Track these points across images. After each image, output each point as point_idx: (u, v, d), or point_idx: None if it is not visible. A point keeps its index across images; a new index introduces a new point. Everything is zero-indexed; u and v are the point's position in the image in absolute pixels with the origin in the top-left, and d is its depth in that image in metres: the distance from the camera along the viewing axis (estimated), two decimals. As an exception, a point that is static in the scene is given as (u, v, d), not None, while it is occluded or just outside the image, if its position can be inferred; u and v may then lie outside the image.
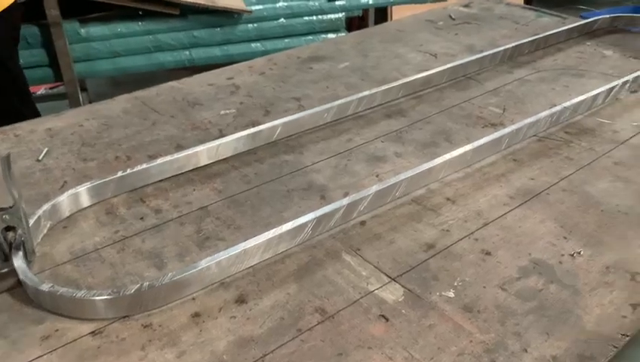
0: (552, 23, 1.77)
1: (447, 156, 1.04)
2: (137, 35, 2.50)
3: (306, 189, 1.03)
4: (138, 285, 0.75)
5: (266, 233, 0.84)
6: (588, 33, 1.70)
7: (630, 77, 1.30)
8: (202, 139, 1.18)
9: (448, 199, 0.99)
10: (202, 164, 1.10)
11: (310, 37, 2.66)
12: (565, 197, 0.99)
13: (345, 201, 0.91)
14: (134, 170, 1.03)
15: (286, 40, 2.62)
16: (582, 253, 0.86)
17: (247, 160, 1.12)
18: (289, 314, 0.76)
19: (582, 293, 0.78)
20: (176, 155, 1.07)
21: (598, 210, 0.95)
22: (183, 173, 1.07)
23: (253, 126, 1.19)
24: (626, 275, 0.81)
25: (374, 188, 0.95)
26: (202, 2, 2.47)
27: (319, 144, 1.18)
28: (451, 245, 0.88)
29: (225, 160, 1.12)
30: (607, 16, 1.75)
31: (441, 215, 0.95)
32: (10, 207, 0.80)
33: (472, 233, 0.91)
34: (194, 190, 1.03)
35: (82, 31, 2.42)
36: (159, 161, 1.06)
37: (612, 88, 1.27)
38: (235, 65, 1.56)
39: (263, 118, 1.27)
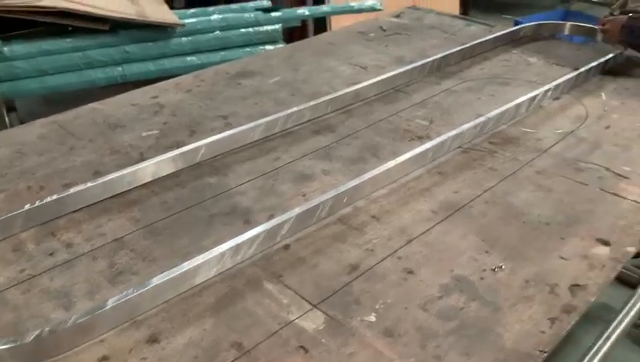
0: (480, 32, 1.80)
1: (373, 172, 1.02)
2: (66, 52, 2.40)
3: (229, 214, 0.99)
4: (38, 331, 0.70)
5: (182, 265, 0.80)
6: (514, 41, 1.74)
7: (552, 85, 1.33)
8: (122, 164, 1.13)
9: (373, 217, 0.98)
10: (120, 191, 1.05)
11: (247, 49, 2.62)
12: (488, 209, 0.99)
13: (267, 226, 0.89)
14: (44, 201, 0.97)
15: (222, 52, 2.57)
16: (503, 266, 0.86)
17: (168, 184, 1.08)
18: (204, 352, 0.72)
19: (502, 310, 0.78)
20: (90, 184, 1.02)
21: (520, 221, 0.96)
22: (99, 202, 1.02)
23: (177, 147, 1.15)
24: (545, 288, 0.81)
25: (298, 210, 0.92)
26: (133, 17, 2.39)
27: (245, 164, 1.15)
28: (375, 265, 0.87)
29: (145, 185, 1.07)
30: (532, 23, 1.79)
31: (365, 234, 0.94)
32: None
33: (395, 251, 0.89)
34: (109, 220, 0.98)
35: (5, 49, 2.30)
36: (73, 190, 1.00)
37: (535, 97, 1.29)
38: (160, 83, 1.51)
39: (188, 139, 1.23)
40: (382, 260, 0.88)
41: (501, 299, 0.80)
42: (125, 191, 1.05)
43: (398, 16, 2.00)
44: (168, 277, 0.79)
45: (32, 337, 0.69)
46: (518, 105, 1.26)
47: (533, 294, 0.81)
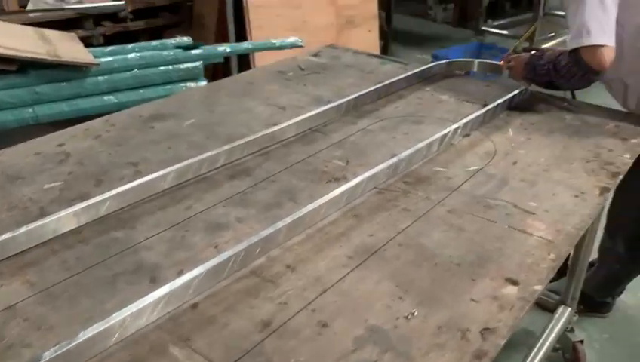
0: (395, 70, 1.85)
1: (288, 219, 1.00)
2: (-31, 93, 2.26)
3: (135, 272, 0.94)
4: None
5: (80, 334, 0.74)
6: (427, 78, 1.79)
7: (461, 123, 1.37)
8: (19, 220, 1.05)
9: (288, 266, 0.96)
10: (15, 252, 0.97)
11: (168, 86, 2.56)
12: (402, 252, 0.99)
13: (173, 284, 0.84)
14: None
15: (141, 90, 2.50)
16: (416, 313, 0.85)
17: (69, 241, 1.01)
18: None
19: (414, 360, 0.77)
20: (-20, 246, 0.94)
21: (432, 263, 0.96)
22: (-10, 266, 0.94)
23: (82, 200, 1.08)
24: (457, 334, 0.81)
25: (208, 265, 0.89)
26: (44, 57, 2.29)
27: (155, 215, 1.10)
28: (288, 320, 0.84)
29: (43, 244, 1.00)
30: (443, 61, 1.85)
31: (279, 286, 0.91)
32: None
33: (310, 303, 0.87)
34: (1, 286, 0.90)
35: None
36: (-41, 254, 0.92)
37: (445, 135, 1.32)
38: (68, 129, 1.44)
39: (94, 190, 1.17)
40: (295, 314, 0.85)
41: (414, 349, 0.79)
42: (21, 252, 0.97)
43: (316, 55, 2.02)
44: (63, 350, 0.72)
45: None
46: (430, 144, 1.29)
47: (445, 341, 0.80)
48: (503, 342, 0.80)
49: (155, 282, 0.92)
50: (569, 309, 1.76)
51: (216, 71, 3.51)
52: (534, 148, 1.34)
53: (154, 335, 0.80)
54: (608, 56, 1.39)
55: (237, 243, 0.95)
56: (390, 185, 1.19)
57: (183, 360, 0.77)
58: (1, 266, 0.94)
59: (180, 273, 0.93)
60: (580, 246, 1.66)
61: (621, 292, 1.98)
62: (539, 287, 0.90)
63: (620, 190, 1.59)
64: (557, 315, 1.74)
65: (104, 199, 1.08)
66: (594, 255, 1.86)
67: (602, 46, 1.38)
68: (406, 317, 0.85)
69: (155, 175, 1.16)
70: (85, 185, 1.19)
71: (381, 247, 1.00)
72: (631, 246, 1.70)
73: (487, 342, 0.79)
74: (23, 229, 0.99)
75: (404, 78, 1.70)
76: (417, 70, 1.76)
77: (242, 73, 2.00)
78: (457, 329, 0.82)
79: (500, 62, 1.73)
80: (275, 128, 1.38)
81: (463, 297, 0.89)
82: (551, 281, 1.92)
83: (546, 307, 1.82)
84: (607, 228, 1.76)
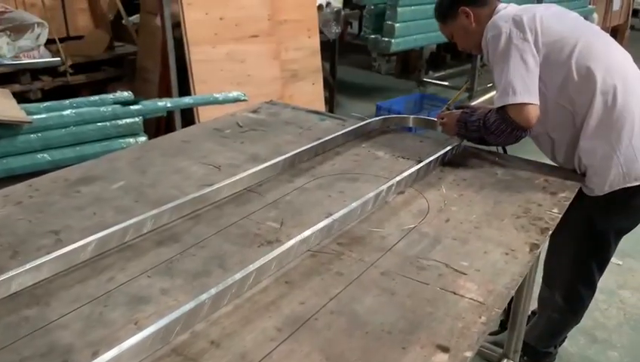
0: (333, 126, 1.86)
1: (213, 291, 0.96)
2: None
3: (45, 355, 0.87)
4: None
5: None
6: (364, 135, 1.81)
7: (395, 180, 1.37)
8: None
9: (212, 342, 0.91)
10: None
11: (105, 142, 2.50)
12: (333, 320, 0.96)
13: (83, 370, 0.78)
14: None
15: (77, 147, 2.43)
16: (345, 389, 0.82)
17: (-27, 324, 0.93)
18: None
19: None
20: None
21: (363, 331, 0.94)
22: None
23: (-6, 274, 1.01)
24: (386, 409, 0.78)
25: (125, 345, 0.83)
26: (-30, 114, 2.20)
27: (73, 289, 1.03)
28: (209, 404, 0.79)
29: (-56, 327, 0.92)
30: (379, 118, 1.88)
31: (202, 365, 0.86)
32: None
33: (233, 383, 0.82)
34: None
35: None
36: None
37: (380, 193, 1.32)
38: (-16, 196, 1.36)
39: (9, 262, 1.10)
40: (217, 396, 0.80)
41: None
42: None
43: (255, 111, 2.02)
44: None
45: None
46: (365, 203, 1.28)
47: (374, 418, 0.77)
48: (432, 417, 0.77)
49: (67, 366, 0.85)
50: (512, 362, 1.75)
51: (160, 125, 3.46)
52: (466, 205, 1.36)
53: None
54: (534, 112, 1.44)
55: (159, 318, 0.90)
56: (324, 247, 1.17)
57: None
58: None
59: (95, 355, 0.86)
60: (519, 299, 1.68)
61: (563, 341, 1.99)
62: (469, 354, 0.89)
63: (552, 241, 1.63)
64: (501, 369, 1.73)
65: (17, 274, 1.01)
66: (534, 303, 1.88)
67: (527, 104, 1.43)
68: (334, 394, 0.81)
69: (75, 245, 1.10)
70: (0, 257, 1.12)
71: (312, 316, 0.97)
72: (568, 296, 1.73)
73: (417, 418, 0.76)
74: None
75: (342, 134, 1.72)
76: (354, 127, 1.77)
77: (178, 131, 1.98)
78: (387, 405, 0.79)
79: (435, 118, 1.77)
80: (208, 189, 1.34)
81: (394, 368, 0.86)
82: (492, 334, 1.94)
83: (489, 360, 1.81)
84: (544, 279, 1.79)
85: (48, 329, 0.93)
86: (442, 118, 1.71)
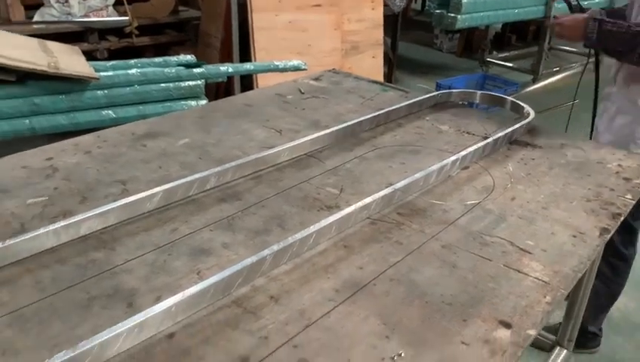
0: (396, 98, 1.82)
1: (275, 247, 0.96)
2: (-33, 101, 2.24)
3: (111, 296, 0.90)
4: None
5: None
6: (428, 108, 1.76)
7: (460, 155, 1.33)
8: (-2, 236, 1.01)
9: (272, 297, 0.91)
10: (-12, 269, 0.93)
11: (168, 103, 2.55)
12: (391, 288, 0.95)
13: (149, 312, 0.80)
14: None
15: (140, 106, 2.49)
16: (402, 354, 0.81)
17: (46, 261, 0.97)
18: None
19: (399, 406, 0.73)
20: (-48, 262, 0.90)
21: (422, 301, 0.92)
22: (-40, 283, 0.90)
23: (64, 217, 1.05)
24: (445, 379, 0.77)
25: (188, 292, 0.84)
26: (44, 69, 2.28)
27: (138, 236, 1.06)
28: (267, 356, 0.79)
29: (19, 262, 0.96)
30: (445, 91, 1.83)
31: (261, 318, 0.87)
32: None
33: (291, 338, 0.83)
34: (-31, 305, 0.86)
35: None
36: None
37: (443, 167, 1.29)
38: (58, 143, 1.41)
39: (78, 207, 1.14)
40: (275, 350, 0.81)
41: (399, 393, 0.74)
42: (-5, 269, 0.94)
43: (317, 79, 2.00)
44: (24, 379, 0.68)
45: None
46: (427, 175, 1.25)
47: (432, 386, 0.76)
48: (492, 391, 0.75)
49: (132, 308, 0.87)
50: (565, 351, 1.70)
51: (219, 90, 3.51)
52: (534, 185, 1.31)
53: (124, 366, 0.76)
54: None
55: (220, 270, 0.91)
56: (384, 216, 1.15)
57: (152, 395, 0.72)
58: (-29, 284, 0.90)
59: (158, 299, 0.89)
60: (579, 287, 1.62)
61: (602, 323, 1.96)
62: (533, 332, 0.86)
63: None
64: (552, 357, 1.68)
65: (86, 218, 1.05)
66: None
67: None
68: (392, 359, 0.80)
69: (142, 195, 1.13)
70: (70, 202, 1.16)
71: (370, 281, 0.96)
72: (612, 261, 1.70)
73: (476, 390, 0.75)
74: (3, 244, 0.95)
75: (405, 106, 1.68)
76: (418, 99, 1.73)
77: (240, 94, 1.98)
78: (445, 375, 0.78)
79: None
80: (269, 151, 1.35)
81: (453, 339, 0.84)
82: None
83: (540, 347, 1.77)
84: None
85: (114, 273, 0.96)
86: (561, 23, 1.55)
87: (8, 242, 0.96)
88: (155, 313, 0.80)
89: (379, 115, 1.60)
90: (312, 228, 1.03)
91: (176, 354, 0.79)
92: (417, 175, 1.23)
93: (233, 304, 0.90)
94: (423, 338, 0.84)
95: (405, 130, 1.60)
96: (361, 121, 1.55)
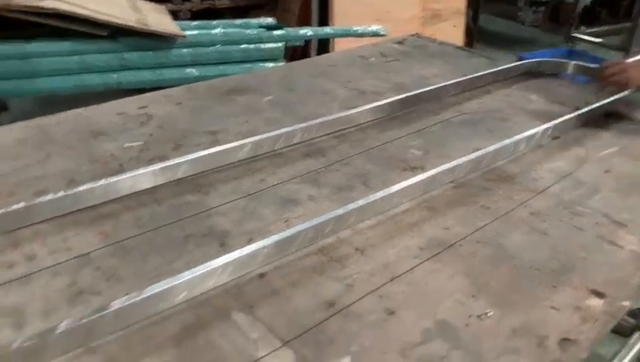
0: (482, 65, 1.77)
1: (360, 202, 0.97)
2: (62, 55, 2.37)
3: (206, 235, 0.94)
4: (-22, 354, 0.64)
5: (148, 289, 0.75)
6: (515, 77, 1.70)
7: (552, 123, 1.28)
8: (99, 174, 1.07)
9: (357, 249, 0.93)
10: (93, 203, 0.99)
11: (247, 65, 2.59)
12: (478, 250, 0.94)
13: (242, 252, 0.83)
14: (11, 209, 0.92)
15: (221, 66, 2.54)
16: (489, 314, 0.80)
17: (144, 200, 1.02)
18: (159, 386, 0.66)
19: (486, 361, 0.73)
20: (62, 194, 0.96)
21: (510, 265, 0.91)
22: (69, 214, 0.96)
23: (160, 161, 1.10)
24: (533, 340, 0.76)
25: (277, 237, 0.87)
26: (133, 25, 2.37)
27: (229, 183, 1.10)
28: (353, 303, 0.81)
29: (120, 199, 1.02)
30: (535, 60, 1.76)
31: (346, 267, 0.88)
32: None
33: (377, 289, 0.84)
34: (77, 234, 0.92)
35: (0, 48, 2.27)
36: (42, 199, 0.95)
37: (534, 135, 1.25)
38: (150, 94, 1.47)
39: (172, 153, 1.19)
40: (361, 297, 0.82)
41: (485, 350, 0.74)
42: (98, 204, 1.00)
43: (400, 42, 1.97)
44: (131, 301, 0.73)
45: (-29, 360, 0.63)
46: (516, 143, 1.22)
47: (520, 346, 0.75)
48: (584, 356, 0.74)
49: (224, 247, 0.91)
50: (645, 337, 1.63)
51: (294, 55, 3.52)
52: (630, 158, 1.24)
53: (219, 299, 0.80)
54: None
55: (307, 220, 0.93)
56: (470, 181, 1.13)
57: (246, 327, 0.75)
58: (78, 216, 0.97)
59: (249, 241, 0.92)
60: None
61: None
62: (627, 303, 0.83)
63: None
64: (631, 341, 1.62)
65: (181, 162, 1.09)
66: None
67: None
68: (479, 317, 0.80)
69: (233, 144, 1.16)
70: (164, 147, 1.21)
71: (456, 242, 0.95)
72: None
73: (567, 354, 0.73)
74: (102, 182, 1.01)
75: (492, 73, 1.63)
76: (506, 66, 1.67)
77: (323, 55, 1.99)
78: (533, 336, 0.77)
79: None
80: (353, 111, 1.35)
81: (542, 303, 0.83)
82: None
83: (619, 331, 1.70)
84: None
85: (208, 215, 1.00)
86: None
87: (110, 180, 1.02)
88: (248, 253, 0.83)
89: (465, 80, 1.56)
90: (397, 187, 1.03)
91: (267, 293, 0.82)
92: (506, 141, 1.20)
93: (319, 252, 0.92)
94: (511, 301, 0.83)
95: (492, 97, 1.56)
96: (446, 86, 1.52)
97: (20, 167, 1.10)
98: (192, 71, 2.52)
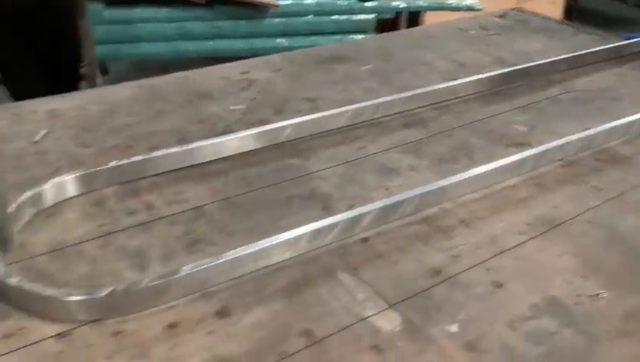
0: (590, 42, 1.67)
1: (466, 174, 0.96)
2: (162, 21, 2.47)
3: (309, 198, 0.96)
4: (112, 288, 0.69)
5: (259, 242, 0.78)
6: (628, 55, 1.60)
7: (672, 105, 1.20)
8: (207, 134, 1.12)
9: (462, 221, 0.91)
10: (203, 160, 1.04)
11: (337, 36, 2.59)
12: (590, 230, 0.90)
13: (348, 215, 0.85)
14: (130, 160, 0.98)
15: (312, 38, 2.56)
16: (602, 294, 0.77)
17: (250, 160, 1.05)
18: (273, 334, 0.69)
19: (600, 342, 0.70)
20: (176, 149, 1.01)
21: (625, 247, 0.86)
22: (181, 169, 1.01)
23: (262, 125, 1.13)
24: (652, 326, 0.72)
25: (381, 203, 0.88)
26: (229, -7, 2.42)
27: (329, 149, 1.11)
28: (459, 273, 0.80)
29: (227, 158, 1.05)
30: (651, 38, 1.64)
31: (452, 238, 0.87)
32: (-12, 191, 0.75)
33: (483, 261, 0.83)
34: (190, 188, 0.97)
35: (106, 13, 2.39)
36: (158, 153, 1.00)
37: (650, 115, 1.17)
38: (250, 60, 1.50)
39: (273, 117, 1.21)
40: (468, 269, 0.81)
41: (599, 330, 0.72)
42: (207, 162, 1.04)
43: (501, 16, 1.90)
44: (244, 253, 0.76)
45: (106, 293, 0.68)
46: (631, 123, 1.15)
47: (636, 330, 0.72)
48: None
49: (327, 211, 0.93)
50: None
51: (384, 28, 3.47)
52: None
53: (324, 258, 0.82)
54: None
55: (408, 188, 0.93)
56: (580, 159, 1.08)
57: (351, 287, 0.77)
58: (190, 171, 1.01)
59: (351, 206, 0.93)
60: None
61: None
62: None
63: None
64: None
65: (284, 126, 1.12)
66: None
67: None
68: (590, 297, 0.77)
69: (333, 111, 1.17)
70: (265, 112, 1.24)
71: (566, 221, 0.92)
72: None
73: (690, 343, 0.70)
74: (211, 141, 1.05)
75: (604, 50, 1.53)
76: (620, 44, 1.57)
77: (418, 27, 1.95)
78: (652, 322, 0.73)
79: None
80: (454, 83, 1.32)
81: (661, 290, 0.78)
82: None
83: None
84: None
85: (309, 178, 1.02)
86: None
87: (218, 139, 1.06)
88: (352, 216, 0.85)
89: (574, 56, 1.48)
90: (504, 161, 1.00)
91: (371, 256, 0.83)
92: (620, 121, 1.14)
93: (423, 221, 0.91)
94: (625, 284, 0.79)
95: (602, 75, 1.47)
96: (553, 61, 1.45)
97: (135, 123, 1.16)
98: (282, 41, 2.56)
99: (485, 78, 1.36)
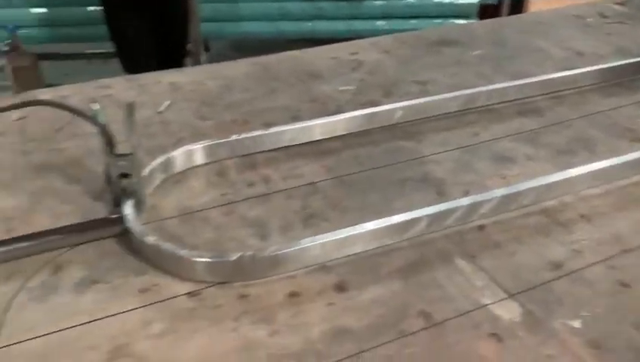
0: None
1: (588, 168, 0.92)
2: (264, 0, 2.52)
3: (422, 181, 0.96)
4: (240, 253, 0.73)
5: (375, 221, 0.79)
6: None
7: None
8: (318, 113, 1.14)
9: (583, 216, 0.88)
10: (315, 138, 1.06)
11: (438, 20, 2.54)
12: None
13: (466, 201, 0.84)
14: (249, 135, 1.01)
15: (413, 21, 2.52)
16: None
17: (361, 141, 1.06)
18: (391, 312, 0.70)
19: None
20: (290, 126, 1.04)
21: None
22: (294, 146, 1.04)
23: (372, 106, 1.13)
24: None
25: (500, 192, 0.86)
26: (332, -26, 2.42)
27: (441, 134, 1.10)
28: (582, 269, 0.77)
29: (338, 137, 1.07)
30: None
31: (572, 233, 0.84)
32: (128, 155, 0.80)
33: (607, 259, 0.79)
34: (304, 164, 0.99)
35: (213, -8, 2.48)
36: (274, 129, 1.03)
37: None
38: (358, 41, 1.50)
39: (383, 99, 1.21)
40: (591, 265, 0.78)
41: None
42: (319, 140, 1.06)
43: (622, 3, 1.78)
44: (361, 230, 0.77)
45: (235, 257, 0.72)
46: None
47: None
48: None
49: (441, 195, 0.92)
50: None
51: (485, 14, 3.36)
52: None
53: (440, 243, 0.81)
54: None
55: (525, 178, 0.90)
56: None
57: (469, 273, 0.76)
58: (304, 148, 1.04)
59: (466, 193, 0.92)
60: None
61: None
62: None
63: None
64: None
65: (395, 108, 1.11)
66: None
67: None
68: None
69: (445, 96, 1.16)
70: (375, 93, 1.24)
71: (700, 224, 0.86)
72: None
73: None
74: (325, 120, 1.07)
75: None
76: None
77: (529, 13, 1.87)
78: None
79: None
80: (573, 72, 1.26)
81: None
82: None
83: None
84: None
85: (422, 161, 1.01)
86: None
87: (330, 118, 1.07)
88: (467, 204, 0.83)
89: None
90: (629, 157, 0.95)
91: (488, 245, 0.81)
92: None
93: (542, 213, 0.88)
94: None
95: None
96: (686, 53, 1.35)
97: (250, 99, 1.20)
98: (383, 24, 2.54)
99: (606, 68, 1.29)
